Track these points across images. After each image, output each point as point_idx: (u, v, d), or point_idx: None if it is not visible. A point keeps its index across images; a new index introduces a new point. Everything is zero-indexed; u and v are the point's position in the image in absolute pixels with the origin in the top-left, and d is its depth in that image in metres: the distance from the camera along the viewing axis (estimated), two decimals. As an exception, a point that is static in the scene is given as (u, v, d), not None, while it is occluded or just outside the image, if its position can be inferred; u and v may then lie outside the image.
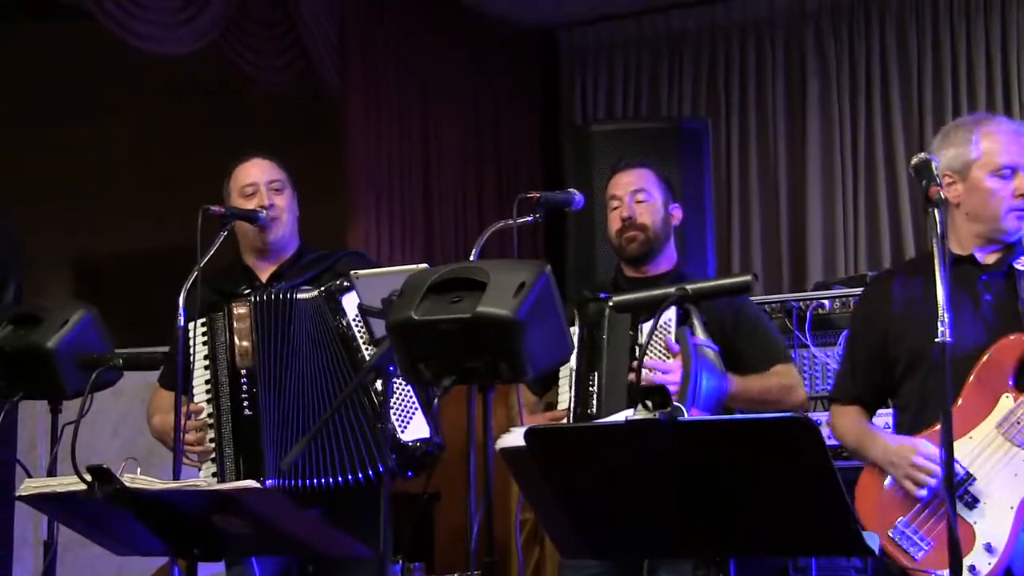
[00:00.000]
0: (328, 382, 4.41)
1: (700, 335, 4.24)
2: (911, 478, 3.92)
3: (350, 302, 4.41)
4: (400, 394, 4.28)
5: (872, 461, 4.07)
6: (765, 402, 4.40)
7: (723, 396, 4.26)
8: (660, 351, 4.30)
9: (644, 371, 4.15)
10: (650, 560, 4.14)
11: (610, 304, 4.40)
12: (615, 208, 4.74)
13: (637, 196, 4.70)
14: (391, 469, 4.26)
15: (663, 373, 4.19)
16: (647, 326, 4.27)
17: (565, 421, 4.37)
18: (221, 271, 4.70)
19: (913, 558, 3.90)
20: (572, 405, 4.43)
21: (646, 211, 4.70)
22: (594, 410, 4.35)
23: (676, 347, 4.23)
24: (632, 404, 4.19)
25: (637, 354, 4.27)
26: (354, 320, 4.40)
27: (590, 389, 4.39)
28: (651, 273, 4.72)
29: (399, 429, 4.27)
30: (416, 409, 4.30)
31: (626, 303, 4.24)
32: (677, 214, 4.79)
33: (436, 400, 3.33)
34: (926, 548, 3.89)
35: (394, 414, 4.27)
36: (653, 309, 4.11)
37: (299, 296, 4.48)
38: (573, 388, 4.43)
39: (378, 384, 4.24)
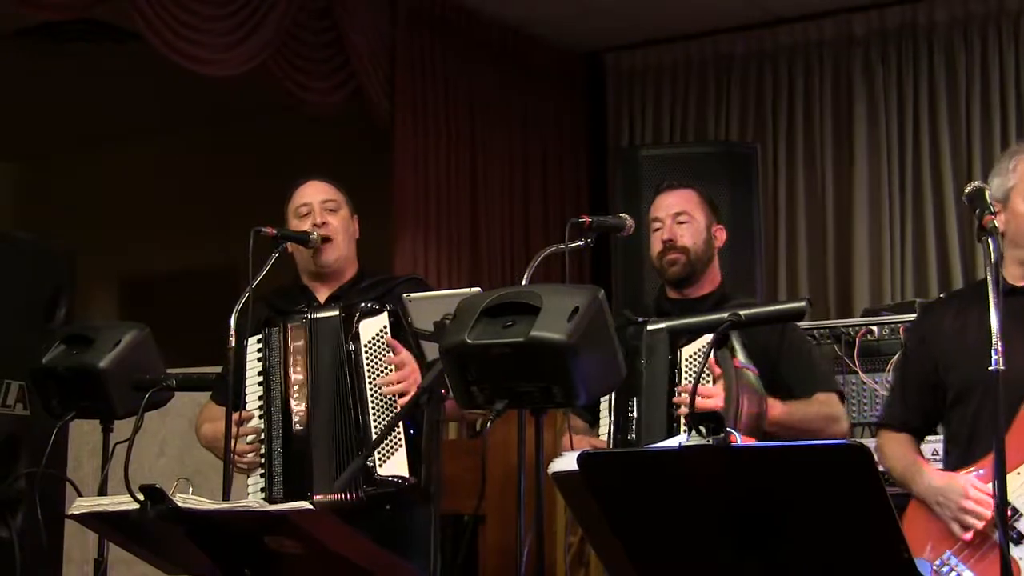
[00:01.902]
0: (333, 403, 4.42)
1: (740, 357, 4.22)
2: (958, 520, 3.89)
3: (368, 327, 4.41)
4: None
5: (918, 495, 4.05)
6: (806, 431, 4.32)
7: (762, 419, 4.23)
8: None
9: (685, 396, 4.11)
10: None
11: (647, 329, 4.38)
12: (657, 230, 4.71)
13: (679, 218, 4.66)
14: (363, 500, 4.26)
15: (704, 397, 4.18)
16: (686, 351, 4.27)
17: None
18: (279, 291, 4.73)
19: (958, 593, 3.86)
20: (611, 431, 4.39)
21: (687, 233, 4.66)
22: (633, 436, 4.31)
23: (716, 369, 4.20)
24: (672, 430, 4.19)
25: (677, 380, 4.27)
26: (367, 346, 4.39)
27: (629, 415, 4.35)
28: (693, 295, 4.68)
29: (378, 463, 4.26)
30: (400, 446, 4.28)
31: (679, 328, 4.20)
32: (721, 235, 4.75)
33: (488, 425, 3.32)
34: None
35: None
36: (699, 334, 4.09)
37: (317, 315, 4.49)
38: (612, 414, 4.39)
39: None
